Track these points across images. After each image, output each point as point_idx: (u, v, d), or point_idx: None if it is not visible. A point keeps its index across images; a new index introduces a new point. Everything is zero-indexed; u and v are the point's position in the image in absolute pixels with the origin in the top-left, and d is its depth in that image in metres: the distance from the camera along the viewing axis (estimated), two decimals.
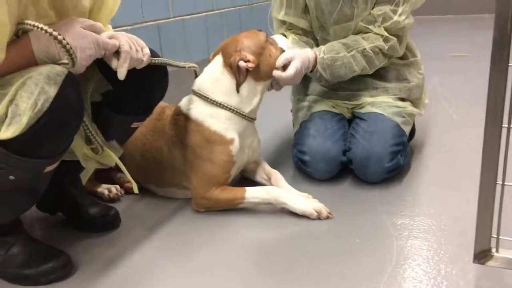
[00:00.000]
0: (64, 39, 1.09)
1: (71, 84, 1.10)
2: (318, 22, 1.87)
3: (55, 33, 1.09)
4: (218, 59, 1.63)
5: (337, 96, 1.90)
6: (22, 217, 1.35)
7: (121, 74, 1.23)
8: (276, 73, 1.62)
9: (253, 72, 1.58)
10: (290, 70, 1.62)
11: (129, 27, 2.56)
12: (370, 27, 1.77)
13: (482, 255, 1.10)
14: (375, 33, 1.76)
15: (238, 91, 1.58)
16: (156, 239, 1.47)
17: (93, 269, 1.33)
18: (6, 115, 1.05)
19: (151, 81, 1.39)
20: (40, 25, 1.09)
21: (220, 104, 1.58)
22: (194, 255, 1.38)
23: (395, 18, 1.74)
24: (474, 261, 1.11)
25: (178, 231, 1.51)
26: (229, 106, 1.59)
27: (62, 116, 1.10)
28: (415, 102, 1.92)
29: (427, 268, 1.24)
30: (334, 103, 1.89)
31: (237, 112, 1.60)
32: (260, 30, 1.67)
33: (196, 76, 1.67)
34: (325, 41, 1.84)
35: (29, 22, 1.10)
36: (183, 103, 1.67)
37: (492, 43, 0.91)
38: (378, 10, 1.75)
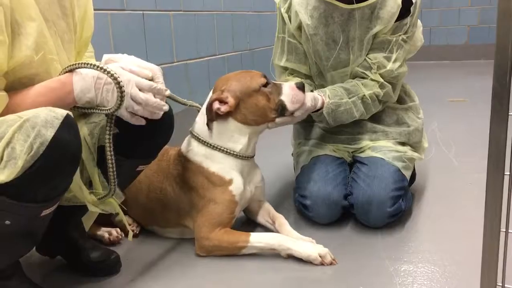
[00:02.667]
0: (121, 82, 1.18)
1: (68, 127, 1.08)
2: (316, 68, 1.91)
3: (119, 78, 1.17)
4: (209, 97, 1.63)
5: (338, 140, 1.92)
6: (21, 260, 1.34)
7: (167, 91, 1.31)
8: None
9: (236, 114, 1.57)
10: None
11: None
12: (367, 72, 1.80)
13: None
14: (372, 79, 1.80)
15: (208, 126, 1.59)
16: (158, 283, 1.45)
17: None
18: (1, 158, 1.02)
19: (157, 124, 1.40)
20: (107, 68, 1.18)
21: (211, 145, 1.60)
22: None
23: (389, 66, 1.77)
24: None
25: (181, 275, 1.49)
26: (218, 147, 1.59)
27: (58, 160, 1.06)
28: (415, 146, 1.93)
29: None
30: (335, 147, 1.91)
31: (227, 152, 1.60)
32: (264, 76, 1.60)
33: None
34: (323, 87, 1.86)
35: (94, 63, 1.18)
36: (183, 144, 1.68)
37: (492, 93, 0.93)
38: (372, 58, 1.79)
